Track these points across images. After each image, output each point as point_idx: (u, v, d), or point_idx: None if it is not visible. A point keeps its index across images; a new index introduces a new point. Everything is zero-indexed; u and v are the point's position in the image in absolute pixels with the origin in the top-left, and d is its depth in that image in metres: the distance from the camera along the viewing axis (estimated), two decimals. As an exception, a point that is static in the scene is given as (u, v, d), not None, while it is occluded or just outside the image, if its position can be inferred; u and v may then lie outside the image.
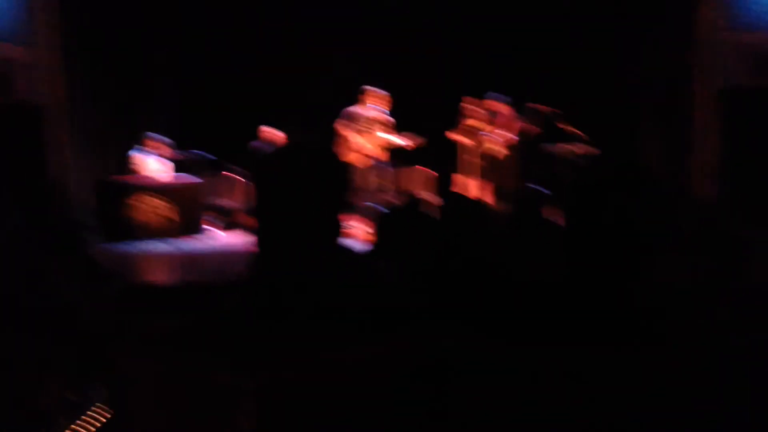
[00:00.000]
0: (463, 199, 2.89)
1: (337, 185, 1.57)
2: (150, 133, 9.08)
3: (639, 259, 1.54)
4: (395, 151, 9.10)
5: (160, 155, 9.07)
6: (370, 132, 8.62)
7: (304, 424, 1.32)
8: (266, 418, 1.32)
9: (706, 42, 8.61)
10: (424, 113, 9.60)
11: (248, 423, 1.30)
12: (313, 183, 1.54)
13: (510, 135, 8.85)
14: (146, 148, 9.03)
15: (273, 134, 9.69)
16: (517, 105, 8.99)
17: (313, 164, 1.56)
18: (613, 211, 1.53)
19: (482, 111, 8.90)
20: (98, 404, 2.32)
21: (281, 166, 1.58)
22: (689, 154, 8.88)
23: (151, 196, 8.55)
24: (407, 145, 8.75)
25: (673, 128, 9.20)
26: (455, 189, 9.11)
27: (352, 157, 8.43)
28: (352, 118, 8.60)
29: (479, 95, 9.03)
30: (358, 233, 8.24)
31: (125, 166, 9.87)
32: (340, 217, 1.57)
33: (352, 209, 1.84)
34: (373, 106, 8.63)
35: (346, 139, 8.57)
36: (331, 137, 8.63)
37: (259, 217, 1.58)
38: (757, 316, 1.73)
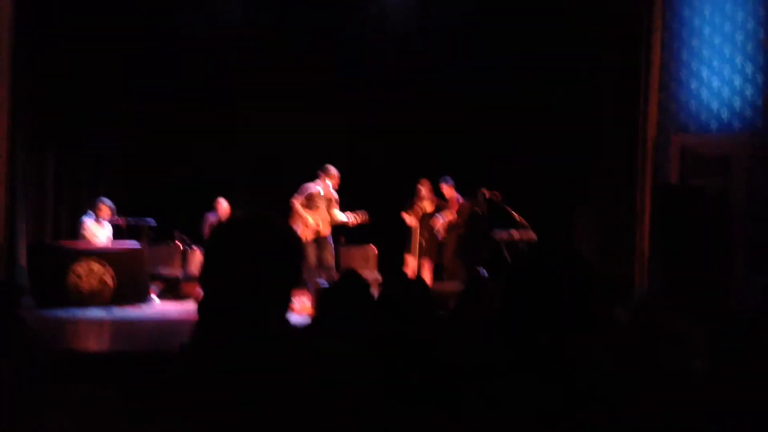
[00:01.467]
0: (403, 278, 2.96)
1: (288, 259, 1.60)
2: (103, 199, 8.95)
3: (576, 346, 1.60)
4: (340, 228, 9.18)
5: (107, 220, 8.96)
6: (318, 207, 8.69)
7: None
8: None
9: (652, 142, 9.01)
10: (377, 192, 9.79)
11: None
12: (264, 255, 1.57)
13: (455, 216, 9.05)
14: (97, 213, 8.90)
15: (228, 206, 9.69)
16: (465, 188, 9.22)
17: (265, 236, 1.59)
18: (551, 296, 1.59)
19: (429, 192, 9.10)
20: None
21: (233, 235, 1.60)
22: (629, 247, 9.16)
23: (89, 261, 8.39)
24: (351, 222, 8.84)
25: (613, 222, 9.50)
26: (399, 267, 9.20)
27: (300, 232, 8.47)
28: (306, 194, 8.67)
29: (432, 177, 9.25)
30: (300, 307, 8.21)
31: (66, 229, 9.72)
32: (290, 291, 1.60)
33: (301, 284, 1.86)
34: (326, 183, 8.73)
35: (298, 214, 8.61)
36: (284, 210, 8.68)
37: (206, 287, 1.60)
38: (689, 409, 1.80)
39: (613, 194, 9.54)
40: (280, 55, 10.61)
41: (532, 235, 8.84)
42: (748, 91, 8.06)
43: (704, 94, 8.55)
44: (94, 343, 6.82)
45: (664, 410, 1.64)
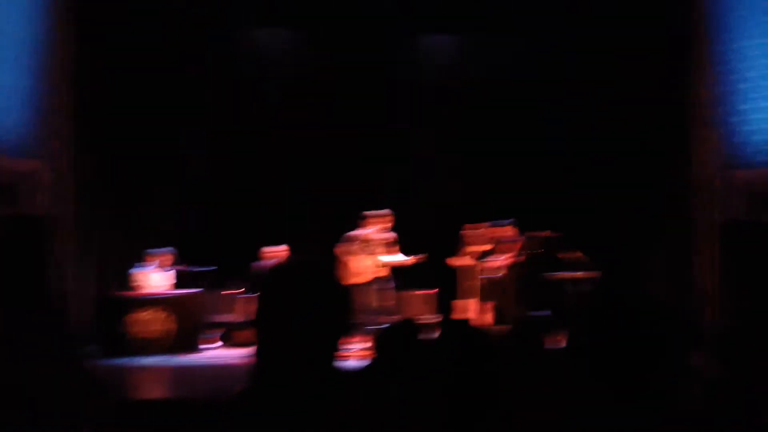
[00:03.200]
0: (461, 323, 2.89)
1: (337, 305, 1.58)
2: (151, 250, 9.12)
3: (646, 390, 1.51)
4: (396, 271, 9.11)
5: (162, 268, 9.10)
6: (370, 252, 8.69)
7: None
8: None
9: (704, 180, 8.78)
10: (427, 239, 9.76)
11: None
12: (313, 301, 1.56)
13: (511, 259, 8.90)
14: (148, 263, 9.05)
15: (275, 254, 9.73)
16: (521, 229, 9.10)
17: (314, 282, 1.57)
18: (617, 341, 1.51)
19: (484, 236, 8.99)
20: None
21: (283, 281, 1.60)
22: (692, 285, 8.87)
23: (149, 310, 8.52)
24: (407, 262, 8.77)
25: (675, 260, 9.24)
26: (455, 312, 9.08)
27: (353, 278, 8.51)
28: (352, 241, 8.73)
29: (484, 220, 9.15)
30: (356, 352, 8.14)
31: (127, 280, 9.90)
32: (340, 338, 1.58)
33: (352, 329, 1.81)
34: (375, 227, 8.75)
35: (346, 262, 8.66)
36: (333, 259, 8.71)
37: (258, 332, 1.58)
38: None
39: (676, 233, 9.30)
40: (326, 101, 10.80)
41: (594, 275, 8.64)
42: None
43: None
44: (156, 391, 6.87)
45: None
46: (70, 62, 8.63)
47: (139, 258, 9.72)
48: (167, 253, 9.10)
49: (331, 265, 1.67)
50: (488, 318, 8.89)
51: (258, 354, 1.62)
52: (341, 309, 1.56)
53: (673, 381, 1.50)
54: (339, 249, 8.74)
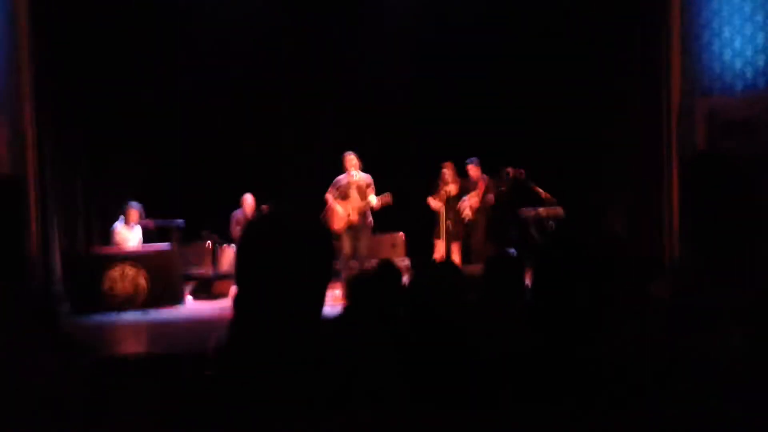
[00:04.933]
0: (434, 263, 2.96)
1: (321, 256, 1.61)
2: (131, 203, 9.02)
3: (608, 327, 1.58)
4: (371, 214, 9.13)
5: (136, 223, 9.05)
6: (349, 196, 8.69)
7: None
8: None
9: (676, 107, 8.85)
10: (403, 178, 9.78)
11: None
12: (298, 253, 1.57)
13: (476, 198, 8.97)
14: (127, 218, 8.98)
15: (253, 202, 9.66)
16: (490, 167, 9.16)
17: (299, 233, 1.59)
18: (583, 277, 1.57)
19: (454, 175, 9.05)
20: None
21: (266, 233, 1.61)
22: (658, 219, 9.03)
23: (122, 266, 8.50)
24: (381, 204, 8.72)
25: (641, 193, 9.36)
26: (427, 253, 9.18)
27: (333, 224, 8.53)
28: (336, 186, 8.71)
29: (457, 159, 9.19)
30: (332, 298, 8.23)
31: (98, 237, 9.81)
32: (323, 287, 1.61)
33: (333, 277, 1.85)
34: (349, 170, 8.71)
35: (328, 206, 8.65)
36: (314, 205, 8.70)
37: (240, 284, 1.60)
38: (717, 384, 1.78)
39: (640, 165, 9.40)
40: (300, 51, 10.66)
41: (559, 211, 8.76)
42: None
43: (727, 54, 8.37)
44: (131, 347, 6.92)
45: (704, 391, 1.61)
46: (28, 20, 8.36)
47: (107, 214, 9.63)
48: (134, 208, 9.01)
49: (310, 213, 1.67)
50: (457, 259, 9.01)
51: (238, 307, 1.64)
52: (324, 258, 1.57)
53: (632, 307, 1.58)
54: (326, 195, 8.71)
